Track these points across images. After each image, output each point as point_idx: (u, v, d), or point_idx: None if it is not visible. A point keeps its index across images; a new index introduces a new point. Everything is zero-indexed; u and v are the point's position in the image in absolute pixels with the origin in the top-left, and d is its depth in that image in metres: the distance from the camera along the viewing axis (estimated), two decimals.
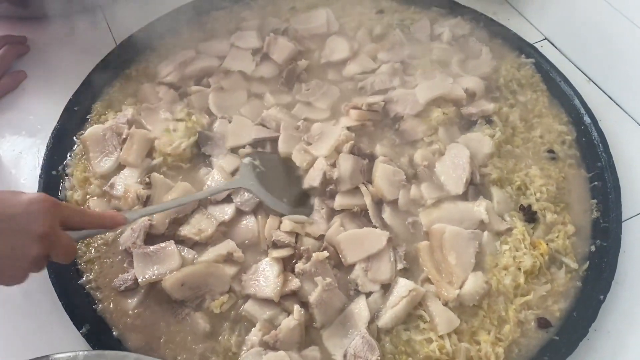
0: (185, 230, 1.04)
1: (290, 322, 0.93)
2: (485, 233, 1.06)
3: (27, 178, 1.19)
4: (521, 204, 1.11)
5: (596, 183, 1.16)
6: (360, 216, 1.08)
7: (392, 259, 1.02)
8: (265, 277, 0.99)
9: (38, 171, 1.15)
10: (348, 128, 1.18)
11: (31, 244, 0.75)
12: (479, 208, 1.08)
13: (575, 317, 0.99)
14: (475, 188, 1.13)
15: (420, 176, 1.14)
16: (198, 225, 1.04)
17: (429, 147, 1.18)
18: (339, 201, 1.08)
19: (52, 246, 0.78)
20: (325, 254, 0.99)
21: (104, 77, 1.32)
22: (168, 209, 1.02)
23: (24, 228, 0.75)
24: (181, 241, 1.04)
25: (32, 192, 0.81)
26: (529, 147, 1.22)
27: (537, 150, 1.22)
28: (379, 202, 1.10)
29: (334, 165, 1.12)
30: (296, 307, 0.94)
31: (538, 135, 1.24)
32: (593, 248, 1.08)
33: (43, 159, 1.16)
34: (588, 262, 1.06)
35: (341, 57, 1.38)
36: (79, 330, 0.94)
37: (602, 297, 1.00)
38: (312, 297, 0.94)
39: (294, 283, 0.97)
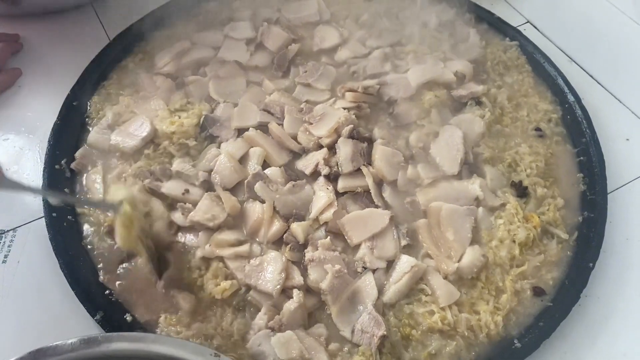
0: (198, 216, 1.04)
1: (291, 305, 0.94)
2: (480, 209, 1.08)
3: (29, 173, 1.18)
4: (512, 180, 1.14)
5: (582, 158, 1.20)
6: (362, 197, 1.09)
7: (395, 237, 1.03)
8: (269, 271, 0.98)
9: (41, 166, 1.14)
10: (345, 109, 1.19)
11: None
12: (473, 185, 1.11)
13: (567, 284, 1.02)
14: (469, 167, 1.15)
15: (416, 157, 1.16)
16: (210, 212, 1.05)
17: (423, 129, 1.20)
18: (342, 184, 1.09)
19: None
20: (329, 241, 1.01)
21: (100, 70, 1.30)
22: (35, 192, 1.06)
23: None
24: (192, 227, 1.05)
25: None
26: (518, 126, 1.24)
27: (525, 129, 1.24)
28: (379, 183, 1.12)
29: (329, 157, 1.13)
30: (295, 291, 0.96)
31: (525, 114, 1.26)
32: (581, 219, 1.12)
33: (45, 154, 1.14)
34: (577, 233, 1.09)
35: (332, 44, 1.38)
36: (93, 317, 0.95)
37: (591, 264, 1.03)
38: (324, 284, 0.95)
39: (297, 280, 0.98)
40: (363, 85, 1.22)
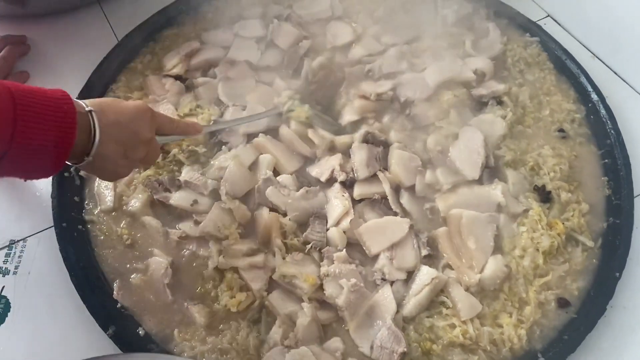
0: (209, 227, 0.99)
1: (304, 320, 0.90)
2: (502, 216, 1.03)
3: (38, 181, 1.13)
4: (535, 185, 1.08)
5: (606, 160, 1.13)
6: (380, 204, 1.04)
7: (415, 246, 0.98)
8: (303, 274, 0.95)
9: None
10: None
11: (139, 147, 0.81)
12: (495, 191, 1.04)
13: (592, 295, 0.97)
14: (490, 171, 1.09)
15: (434, 161, 1.10)
16: (221, 221, 1.00)
17: (441, 131, 1.14)
18: (358, 190, 1.04)
19: (149, 151, 0.83)
20: (345, 254, 0.96)
21: (109, 73, 1.25)
22: (237, 124, 1.10)
23: (135, 132, 0.79)
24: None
25: (132, 101, 0.84)
26: (540, 127, 1.18)
27: (548, 130, 1.17)
28: (396, 189, 1.06)
29: (344, 162, 1.08)
30: (305, 305, 0.92)
31: (548, 114, 1.19)
32: (606, 225, 1.05)
33: None
34: (602, 240, 1.03)
35: (345, 41, 1.32)
36: (105, 332, 0.91)
37: (617, 274, 0.98)
38: (340, 301, 0.91)
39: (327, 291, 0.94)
40: (377, 92, 1.16)
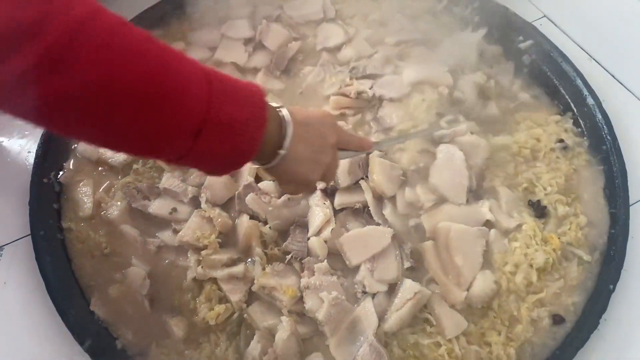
0: (188, 236, 0.95)
1: (283, 334, 0.85)
2: (493, 231, 0.96)
3: (17, 186, 1.08)
4: (530, 200, 1.02)
5: (602, 167, 1.08)
6: (362, 213, 0.98)
7: (397, 257, 0.93)
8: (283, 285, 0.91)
9: (29, 178, 1.06)
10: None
11: (327, 150, 0.76)
12: (482, 208, 0.99)
13: (586, 310, 0.92)
14: (477, 192, 1.02)
15: (410, 181, 1.02)
16: (200, 230, 0.96)
17: (415, 146, 1.06)
18: (339, 200, 0.98)
19: (332, 160, 0.78)
20: (326, 265, 0.91)
21: None
22: (406, 140, 1.03)
23: (323, 135, 0.75)
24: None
25: (318, 109, 0.86)
26: None
27: None
28: (379, 198, 1.00)
29: None
30: (284, 319, 0.87)
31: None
32: (607, 238, 1.00)
33: (33, 167, 1.05)
34: (598, 251, 0.98)
35: (336, 43, 1.27)
36: (82, 346, 0.87)
37: (611, 287, 0.93)
38: (321, 315, 0.86)
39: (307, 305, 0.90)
40: (357, 90, 1.11)
